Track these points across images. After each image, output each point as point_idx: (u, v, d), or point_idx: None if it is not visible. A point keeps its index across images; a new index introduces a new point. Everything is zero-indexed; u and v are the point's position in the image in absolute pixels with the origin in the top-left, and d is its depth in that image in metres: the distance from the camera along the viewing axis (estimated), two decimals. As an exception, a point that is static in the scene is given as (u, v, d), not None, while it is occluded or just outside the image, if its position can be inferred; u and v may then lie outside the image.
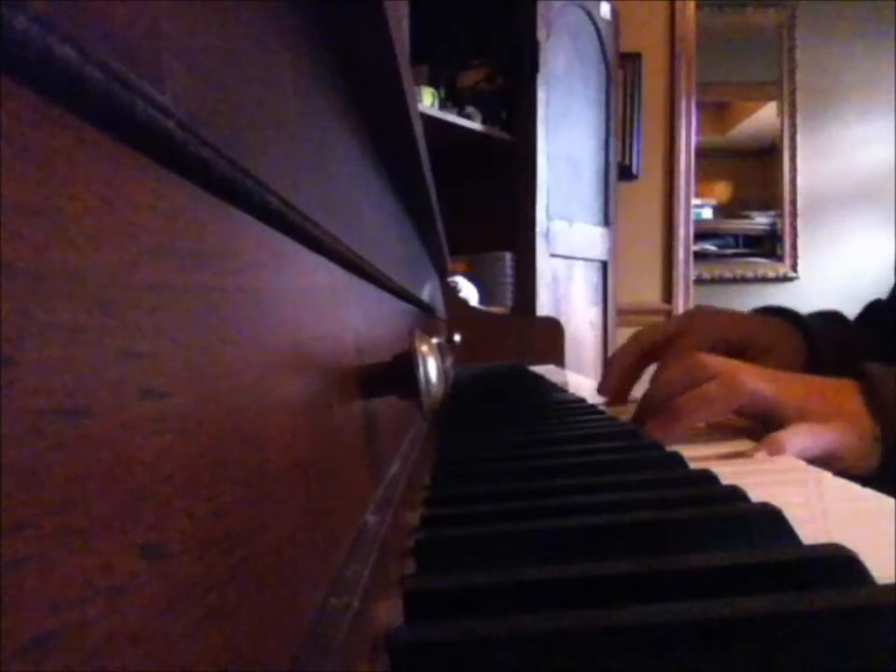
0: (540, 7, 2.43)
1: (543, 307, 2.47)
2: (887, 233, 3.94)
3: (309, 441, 0.22)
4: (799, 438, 0.57)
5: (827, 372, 0.66)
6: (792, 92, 4.03)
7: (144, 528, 0.11)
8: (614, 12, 2.78)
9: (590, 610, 0.24)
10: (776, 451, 0.55)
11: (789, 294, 4.02)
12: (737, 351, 0.77)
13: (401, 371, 0.31)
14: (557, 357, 1.98)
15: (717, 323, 0.82)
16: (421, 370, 0.31)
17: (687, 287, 3.29)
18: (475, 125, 2.35)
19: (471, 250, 2.43)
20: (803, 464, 0.52)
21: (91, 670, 0.09)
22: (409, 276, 0.71)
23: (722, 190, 4.42)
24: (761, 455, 0.55)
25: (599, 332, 2.79)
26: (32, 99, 0.10)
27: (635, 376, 0.83)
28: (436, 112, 2.19)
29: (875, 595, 0.24)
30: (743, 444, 0.59)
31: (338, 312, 0.30)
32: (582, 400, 0.86)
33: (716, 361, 0.63)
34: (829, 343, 0.77)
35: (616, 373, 0.82)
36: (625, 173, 3.06)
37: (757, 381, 0.60)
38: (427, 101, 2.17)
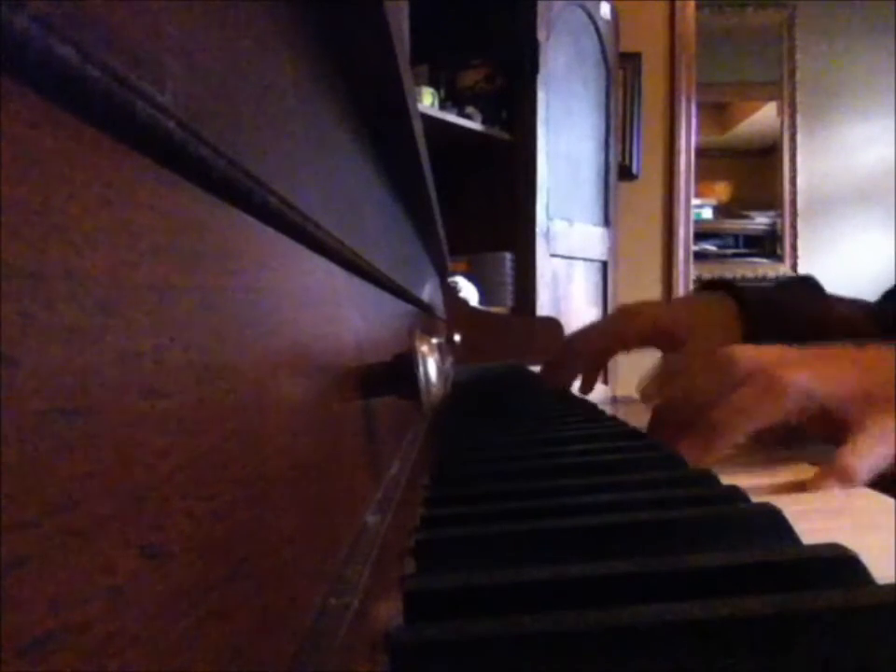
0: (540, 7, 2.43)
1: (543, 307, 2.47)
2: (887, 233, 3.94)
3: (309, 440, 0.22)
4: (873, 452, 0.44)
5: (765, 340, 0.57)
6: (792, 92, 4.03)
7: (144, 528, 0.11)
8: (614, 12, 2.78)
9: (590, 610, 0.24)
10: (849, 480, 0.43)
11: (789, 294, 4.01)
12: (659, 341, 0.77)
13: (401, 370, 0.31)
14: (557, 357, 1.98)
15: (629, 320, 0.81)
16: (421, 369, 0.31)
17: (687, 288, 3.29)
18: (475, 125, 2.35)
19: (471, 250, 2.43)
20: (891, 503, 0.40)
21: (91, 670, 0.09)
22: (409, 276, 0.71)
23: (722, 190, 4.42)
24: (831, 482, 0.43)
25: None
26: (32, 99, 0.10)
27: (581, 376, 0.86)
28: (436, 112, 2.19)
29: (875, 595, 0.24)
30: (803, 470, 0.47)
31: (338, 312, 0.30)
32: (583, 401, 0.86)
33: (748, 354, 0.51)
34: (776, 312, 0.74)
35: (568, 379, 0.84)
36: (625, 173, 3.06)
37: (801, 374, 0.48)
38: (426, 101, 2.17)
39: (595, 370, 0.85)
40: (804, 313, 0.75)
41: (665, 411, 0.56)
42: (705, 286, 0.84)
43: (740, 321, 0.75)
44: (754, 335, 0.73)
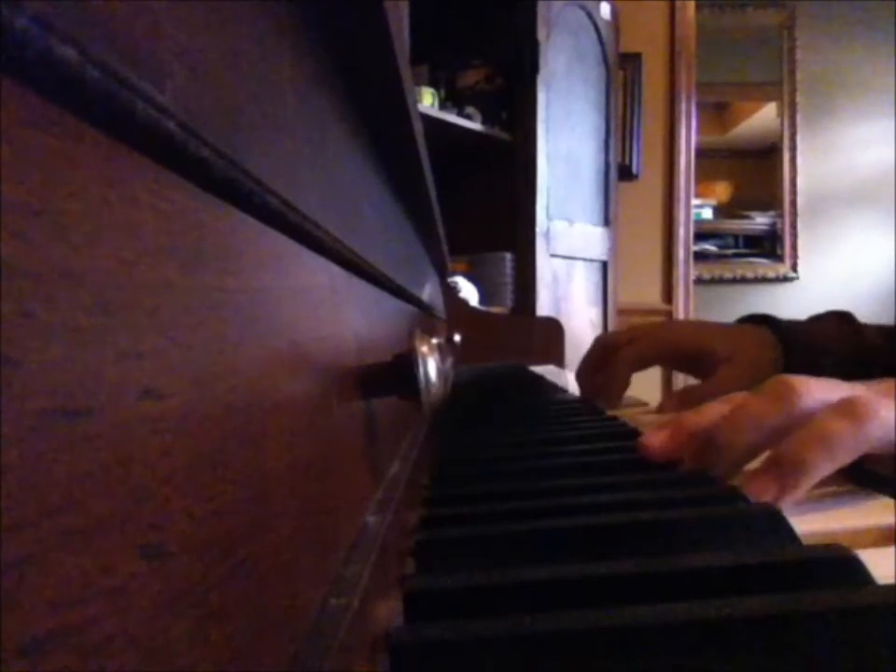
0: (540, 7, 2.43)
1: (543, 307, 2.47)
2: (887, 233, 3.94)
3: (309, 440, 0.22)
4: None
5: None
6: (792, 92, 4.03)
7: (144, 528, 0.11)
8: (614, 12, 2.78)
9: (590, 610, 0.24)
10: None
11: (789, 294, 4.02)
12: (693, 361, 0.76)
13: (401, 371, 0.31)
14: (557, 358, 1.98)
15: (673, 332, 0.81)
16: (421, 370, 0.31)
17: (687, 288, 3.29)
18: (475, 125, 2.35)
19: (471, 250, 2.43)
20: None
21: (91, 670, 0.09)
22: (409, 276, 0.71)
23: (722, 190, 4.42)
24: None
25: (599, 332, 2.79)
26: (32, 99, 0.10)
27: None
28: (436, 112, 2.19)
29: (875, 595, 0.24)
30: (888, 508, 0.41)
31: (338, 312, 0.30)
32: (583, 400, 0.86)
33: (814, 385, 0.45)
34: (813, 349, 0.74)
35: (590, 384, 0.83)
36: (625, 173, 3.06)
37: (889, 408, 0.42)
38: (426, 101, 2.17)
39: (627, 381, 0.82)
40: (838, 343, 0.74)
41: (724, 445, 0.45)
42: (743, 319, 0.83)
43: (777, 351, 0.75)
44: (790, 365, 0.73)
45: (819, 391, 0.44)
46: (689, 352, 0.77)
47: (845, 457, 0.41)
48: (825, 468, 0.41)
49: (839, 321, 0.79)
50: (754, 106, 4.36)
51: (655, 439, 0.47)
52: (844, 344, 0.75)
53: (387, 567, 0.27)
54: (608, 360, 0.81)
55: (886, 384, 0.47)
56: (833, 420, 0.41)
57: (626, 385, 0.82)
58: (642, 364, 0.80)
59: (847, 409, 0.42)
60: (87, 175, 0.11)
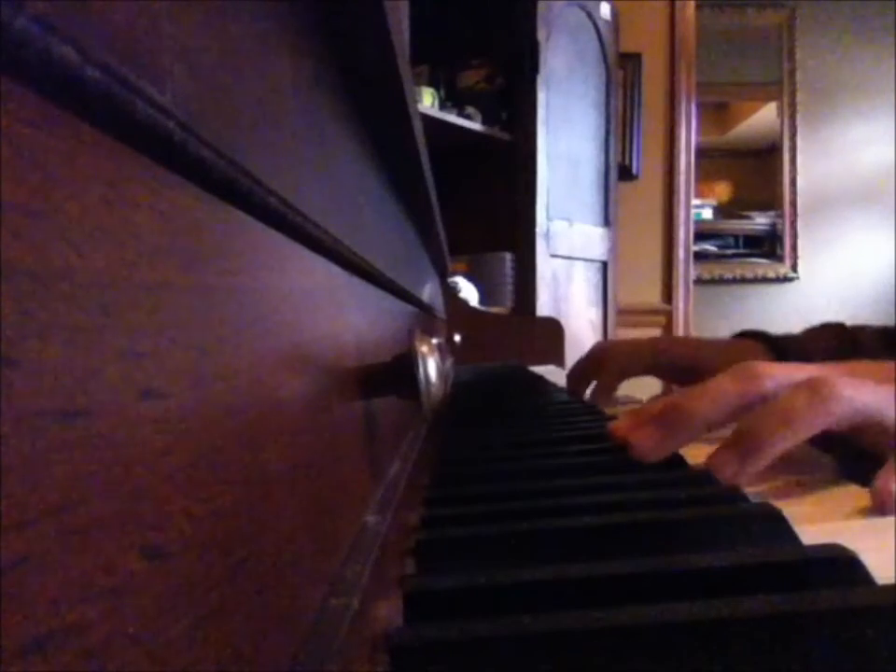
0: (540, 7, 2.43)
1: (543, 307, 2.47)
2: (887, 233, 3.94)
3: (309, 440, 0.22)
4: None
5: None
6: (792, 92, 4.03)
7: (144, 528, 0.11)
8: (614, 12, 2.78)
9: (590, 610, 0.24)
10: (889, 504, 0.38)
11: (789, 294, 4.02)
12: (687, 374, 0.77)
13: (401, 371, 0.31)
14: (557, 358, 1.98)
15: (667, 347, 0.83)
16: (421, 370, 0.31)
17: (687, 288, 3.29)
18: (475, 125, 2.35)
19: (471, 250, 2.43)
20: None
21: (91, 670, 0.09)
22: (409, 276, 0.71)
23: (722, 190, 4.42)
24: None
25: (599, 333, 2.79)
26: (32, 99, 0.10)
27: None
28: (436, 112, 2.19)
29: (875, 595, 0.24)
30: (851, 495, 0.42)
31: (338, 312, 0.30)
32: (582, 401, 0.86)
33: (779, 368, 0.47)
34: (805, 354, 0.74)
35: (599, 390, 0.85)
36: (625, 173, 3.06)
37: (850, 386, 0.43)
38: (427, 101, 2.17)
39: (615, 386, 0.85)
40: (831, 351, 0.75)
41: (686, 419, 0.46)
42: (738, 335, 0.84)
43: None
44: None
45: (781, 373, 0.46)
46: (683, 365, 0.79)
47: (805, 432, 0.42)
48: (785, 442, 0.42)
49: (834, 331, 0.80)
50: (754, 106, 4.36)
51: (623, 421, 0.49)
52: (839, 355, 0.75)
53: (387, 567, 0.27)
54: (598, 369, 0.84)
55: (852, 364, 0.48)
56: (794, 397, 0.42)
57: (610, 394, 0.85)
58: (628, 376, 0.83)
59: (808, 386, 0.43)
60: (87, 175, 0.11)
